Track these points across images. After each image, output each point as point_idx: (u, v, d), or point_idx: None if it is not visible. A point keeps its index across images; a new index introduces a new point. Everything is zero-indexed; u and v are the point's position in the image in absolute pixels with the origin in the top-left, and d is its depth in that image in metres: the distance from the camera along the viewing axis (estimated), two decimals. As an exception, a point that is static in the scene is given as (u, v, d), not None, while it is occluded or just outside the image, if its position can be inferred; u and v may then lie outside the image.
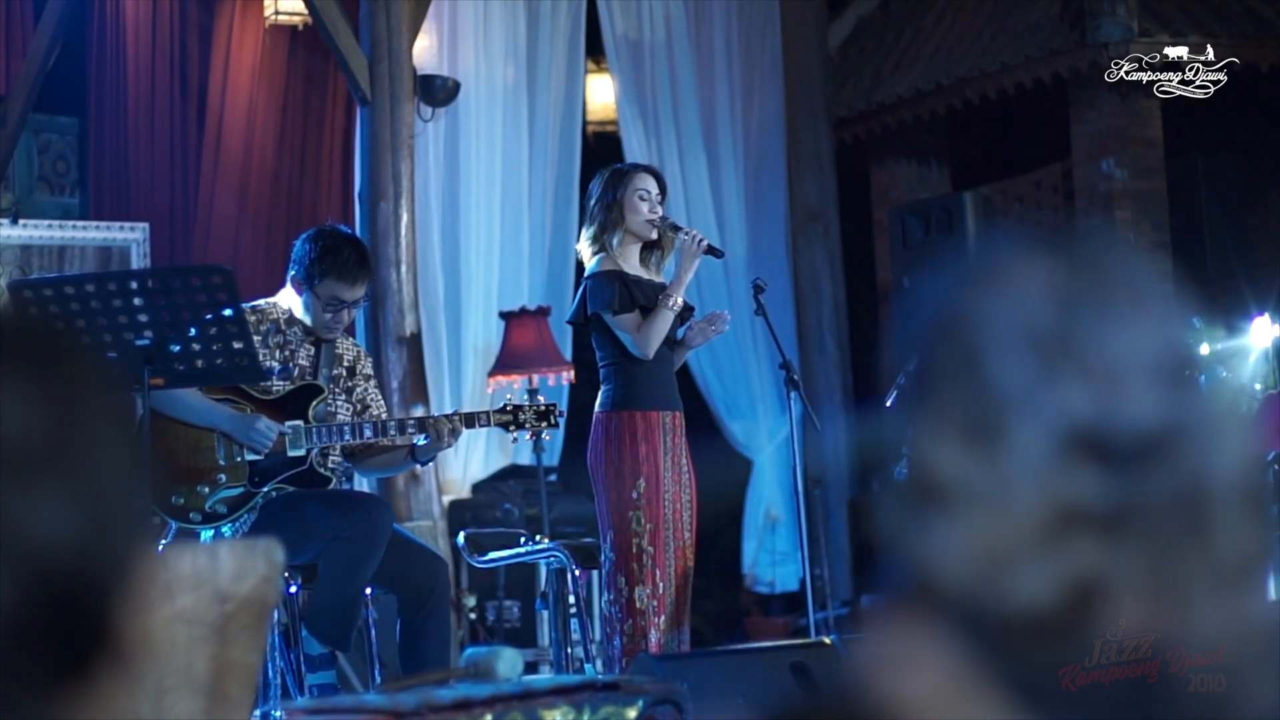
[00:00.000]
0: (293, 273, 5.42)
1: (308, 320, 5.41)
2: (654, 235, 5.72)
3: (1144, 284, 1.03)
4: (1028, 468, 0.97)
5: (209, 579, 2.69)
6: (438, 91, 8.29)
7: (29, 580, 0.85)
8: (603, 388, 5.71)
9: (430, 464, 5.68)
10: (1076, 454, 0.97)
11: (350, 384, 5.55)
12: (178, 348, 4.64)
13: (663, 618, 5.56)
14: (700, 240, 5.64)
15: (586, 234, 5.78)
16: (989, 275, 1.03)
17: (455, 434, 5.39)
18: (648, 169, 5.86)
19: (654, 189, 5.72)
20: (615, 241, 5.69)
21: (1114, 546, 0.96)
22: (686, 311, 5.80)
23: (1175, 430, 0.98)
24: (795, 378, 5.90)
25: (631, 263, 5.73)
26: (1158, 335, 1.01)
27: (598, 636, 6.33)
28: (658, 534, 5.57)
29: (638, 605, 5.54)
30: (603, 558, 5.65)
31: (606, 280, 5.65)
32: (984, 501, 0.98)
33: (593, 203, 5.77)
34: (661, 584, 5.56)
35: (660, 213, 5.71)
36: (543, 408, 5.67)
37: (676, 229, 5.70)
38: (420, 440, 5.41)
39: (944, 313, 1.05)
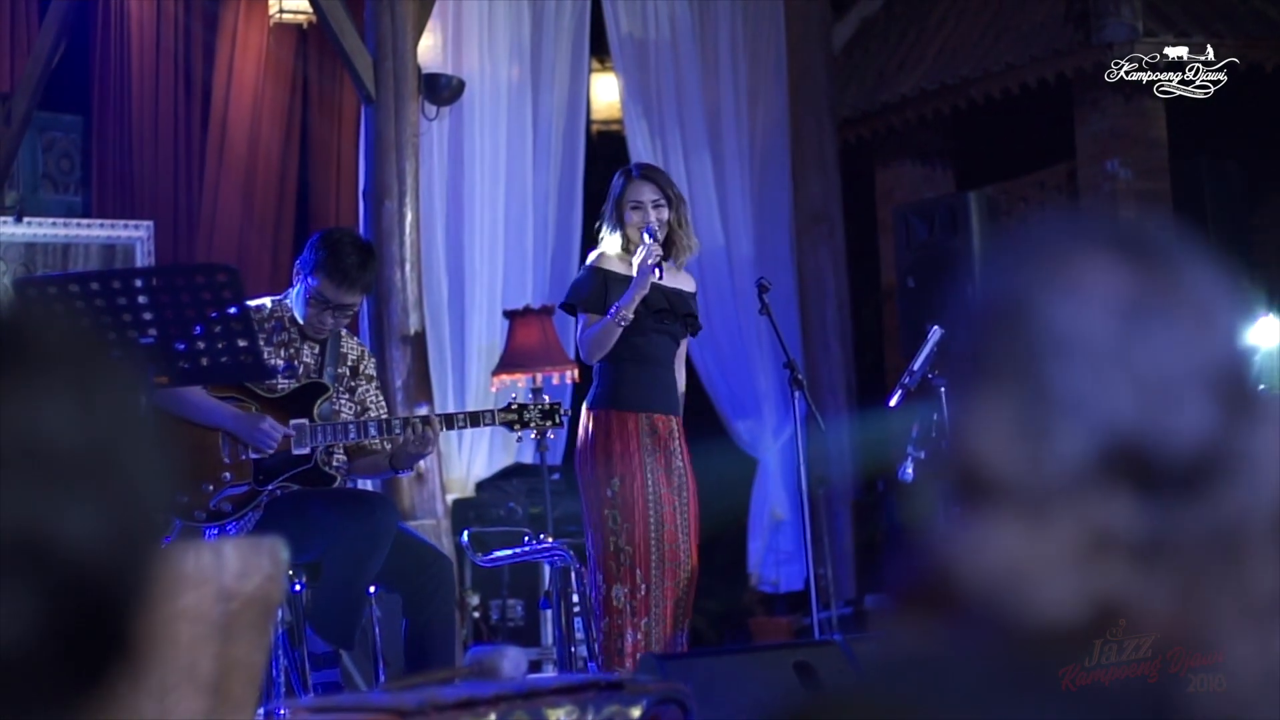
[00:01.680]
0: (297, 264, 5.45)
1: (297, 313, 5.42)
2: None
3: (1215, 298, 1.02)
4: (1069, 481, 0.96)
5: (213, 577, 2.69)
6: (442, 90, 8.29)
7: (59, 587, 0.84)
8: (592, 384, 5.77)
9: (414, 468, 5.70)
10: (1119, 476, 0.96)
11: (353, 383, 5.56)
12: (182, 346, 4.65)
13: (645, 619, 5.57)
14: (650, 261, 5.58)
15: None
16: (1055, 268, 1.02)
17: (425, 439, 5.36)
18: (646, 175, 5.84)
19: (648, 196, 5.73)
20: (616, 244, 5.74)
21: (1143, 575, 0.95)
22: (690, 322, 5.82)
23: (1222, 461, 0.97)
24: (800, 377, 5.90)
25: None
26: (1220, 354, 1.00)
27: (600, 635, 6.35)
28: (636, 534, 5.57)
29: (615, 604, 5.56)
30: (587, 554, 5.69)
31: (588, 276, 5.75)
32: (1021, 506, 0.97)
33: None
34: (643, 585, 5.57)
35: (652, 218, 5.71)
36: (547, 406, 5.68)
37: (648, 237, 5.65)
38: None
39: (1005, 301, 1.03)
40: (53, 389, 0.87)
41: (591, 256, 5.81)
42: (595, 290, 5.67)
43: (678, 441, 5.73)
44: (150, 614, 0.89)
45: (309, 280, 5.36)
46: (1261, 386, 7.22)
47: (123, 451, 0.88)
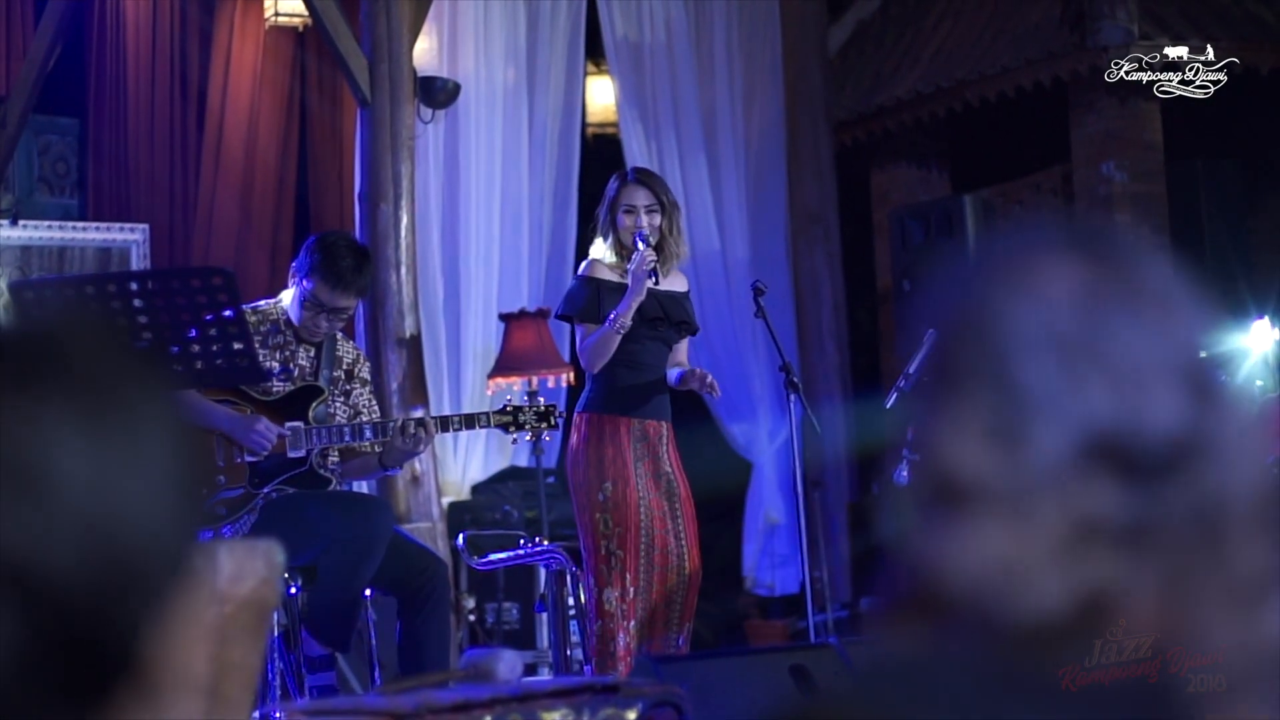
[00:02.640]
0: (292, 268, 5.45)
1: (292, 314, 5.42)
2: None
3: (1171, 287, 1.02)
4: (1048, 476, 0.96)
5: (208, 580, 2.69)
6: (438, 93, 8.28)
7: (50, 610, 0.83)
8: (584, 388, 5.78)
9: (404, 467, 5.74)
10: (1097, 465, 0.96)
11: (348, 387, 5.56)
12: (177, 349, 4.64)
13: (633, 622, 5.57)
14: (644, 266, 5.59)
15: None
16: (1013, 271, 1.02)
17: (418, 439, 5.36)
18: (641, 179, 5.83)
19: (641, 200, 5.71)
20: (608, 250, 5.73)
21: (1129, 562, 0.95)
22: (684, 327, 5.81)
23: (1197, 443, 0.97)
24: (795, 380, 5.90)
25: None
26: (1183, 342, 1.00)
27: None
28: (628, 538, 5.58)
29: (606, 607, 5.56)
30: (582, 557, 5.70)
31: (580, 285, 5.76)
32: (1002, 506, 0.97)
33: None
34: (632, 589, 5.57)
35: (644, 223, 5.69)
36: (542, 409, 5.68)
37: (641, 244, 5.64)
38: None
39: (966, 307, 1.03)
40: (64, 401, 0.85)
41: (583, 266, 5.81)
42: (589, 300, 5.67)
43: (666, 447, 5.73)
44: (159, 636, 0.87)
45: (304, 284, 5.36)
46: (1259, 383, 7.22)
47: (136, 466, 0.86)
